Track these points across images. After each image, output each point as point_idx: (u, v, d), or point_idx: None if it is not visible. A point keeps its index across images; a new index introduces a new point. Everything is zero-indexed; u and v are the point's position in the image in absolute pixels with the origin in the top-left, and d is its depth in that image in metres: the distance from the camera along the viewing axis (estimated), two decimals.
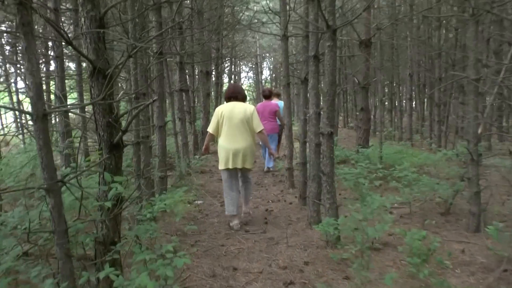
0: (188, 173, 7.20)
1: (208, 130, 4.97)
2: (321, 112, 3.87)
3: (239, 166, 4.86)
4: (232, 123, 4.80)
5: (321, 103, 4.65)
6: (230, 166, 4.84)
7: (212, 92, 15.06)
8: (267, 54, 29.57)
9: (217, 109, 4.99)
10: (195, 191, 6.59)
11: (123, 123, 2.69)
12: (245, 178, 5.16)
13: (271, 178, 7.85)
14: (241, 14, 12.52)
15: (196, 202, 6.07)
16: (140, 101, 3.97)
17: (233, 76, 23.99)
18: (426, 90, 13.92)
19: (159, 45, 4.88)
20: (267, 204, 6.05)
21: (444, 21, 9.49)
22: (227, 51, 15.08)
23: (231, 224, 4.90)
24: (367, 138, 8.54)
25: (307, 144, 6.18)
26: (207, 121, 10.33)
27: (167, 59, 7.39)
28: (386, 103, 14.63)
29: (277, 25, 6.69)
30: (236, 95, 5.01)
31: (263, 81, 31.44)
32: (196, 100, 14.32)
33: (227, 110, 4.85)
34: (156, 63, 4.87)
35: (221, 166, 4.94)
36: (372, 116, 12.72)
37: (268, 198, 6.36)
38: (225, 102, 5.13)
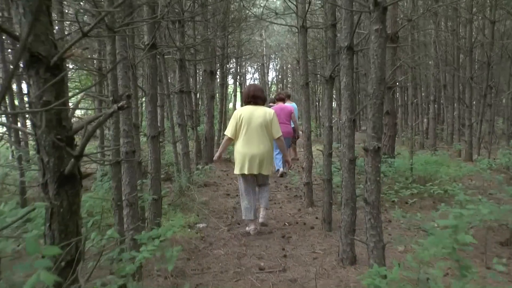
0: (189, 188, 6.20)
1: (226, 133, 4.80)
2: (370, 120, 2.88)
3: (255, 172, 4.65)
4: (251, 128, 4.63)
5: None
6: (246, 172, 4.65)
7: (217, 94, 14.05)
8: (272, 56, 28.54)
9: (235, 112, 4.79)
10: (197, 210, 5.60)
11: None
12: (263, 182, 4.93)
13: (284, 192, 6.84)
14: (247, 11, 11.55)
15: (198, 225, 5.08)
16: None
17: (238, 77, 23.02)
18: (447, 90, 12.88)
19: (152, 35, 3.90)
20: (283, 227, 5.05)
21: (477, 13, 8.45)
22: (232, 50, 14.09)
23: (247, 228, 4.79)
24: (393, 145, 7.51)
25: (333, 156, 5.20)
26: (211, 126, 9.35)
27: (165, 56, 6.41)
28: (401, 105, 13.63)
29: (293, 16, 5.70)
30: (256, 99, 4.77)
31: (269, 82, 30.42)
32: (200, 103, 13.35)
33: (246, 114, 4.66)
34: (147, 57, 3.90)
35: (236, 171, 4.77)
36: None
37: (284, 219, 5.35)
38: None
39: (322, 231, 4.73)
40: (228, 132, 4.73)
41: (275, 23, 5.74)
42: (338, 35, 4.23)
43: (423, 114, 13.02)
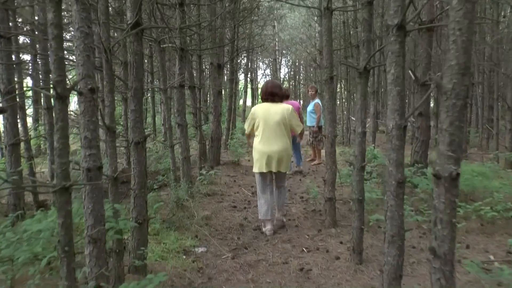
0: (187, 200, 5.26)
1: (246, 132, 4.98)
2: (445, 132, 1.90)
3: (273, 169, 4.64)
4: (267, 126, 4.60)
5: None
6: (264, 170, 4.63)
7: (227, 89, 13.11)
8: (284, 51, 27.42)
9: (252, 109, 4.81)
10: (196, 230, 4.66)
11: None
12: (280, 182, 4.88)
13: (300, 205, 5.85)
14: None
15: (196, 249, 4.14)
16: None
17: (249, 73, 22.06)
18: (481, 88, 11.77)
19: (135, 11, 2.97)
20: (301, 255, 4.07)
21: None
22: (242, 43, 13.11)
23: (263, 229, 4.73)
24: (426, 152, 6.50)
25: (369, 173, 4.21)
26: (218, 125, 8.40)
27: (164, 45, 5.46)
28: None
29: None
30: (273, 96, 4.70)
31: (281, 78, 29.37)
32: (208, 99, 12.43)
33: (262, 111, 4.64)
34: (130, 40, 2.97)
35: (255, 169, 4.74)
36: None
37: (302, 244, 4.37)
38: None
39: (351, 264, 3.75)
40: (247, 130, 4.85)
41: (294, 5, 4.78)
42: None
43: None
